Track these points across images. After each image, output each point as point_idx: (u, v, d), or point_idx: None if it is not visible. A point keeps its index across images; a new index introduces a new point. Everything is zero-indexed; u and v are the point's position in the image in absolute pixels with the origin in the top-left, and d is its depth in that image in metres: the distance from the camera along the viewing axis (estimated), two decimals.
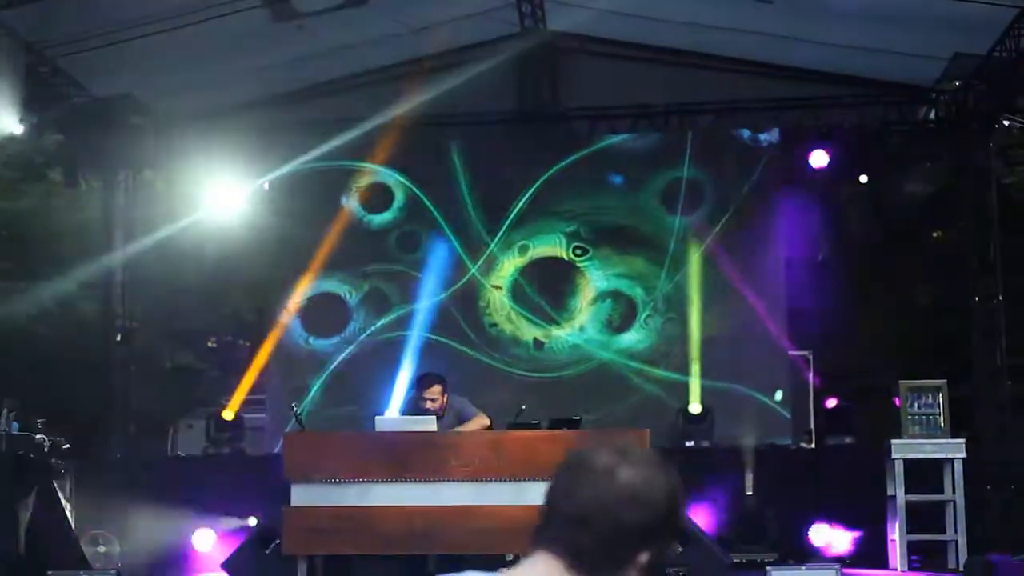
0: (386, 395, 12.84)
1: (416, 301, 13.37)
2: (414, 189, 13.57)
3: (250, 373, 13.56)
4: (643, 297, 13.21)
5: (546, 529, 2.06)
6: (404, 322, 13.38)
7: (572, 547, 2.02)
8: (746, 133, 13.40)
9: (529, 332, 13.33)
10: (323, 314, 13.59)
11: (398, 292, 13.50)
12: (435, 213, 13.49)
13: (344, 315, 13.58)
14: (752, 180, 13.19)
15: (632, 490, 2.02)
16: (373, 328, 13.44)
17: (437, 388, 9.10)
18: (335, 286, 13.62)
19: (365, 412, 12.11)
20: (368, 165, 13.60)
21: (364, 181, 13.70)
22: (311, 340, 13.60)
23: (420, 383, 9.28)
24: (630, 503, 2.01)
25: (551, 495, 2.07)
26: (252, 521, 11.05)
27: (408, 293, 13.46)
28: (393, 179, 13.67)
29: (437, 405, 9.02)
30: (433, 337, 13.25)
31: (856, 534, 11.18)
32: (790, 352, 12.99)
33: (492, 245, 13.43)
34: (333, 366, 13.41)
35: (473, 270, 13.42)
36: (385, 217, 13.70)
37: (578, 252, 13.36)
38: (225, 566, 9.45)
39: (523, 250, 13.45)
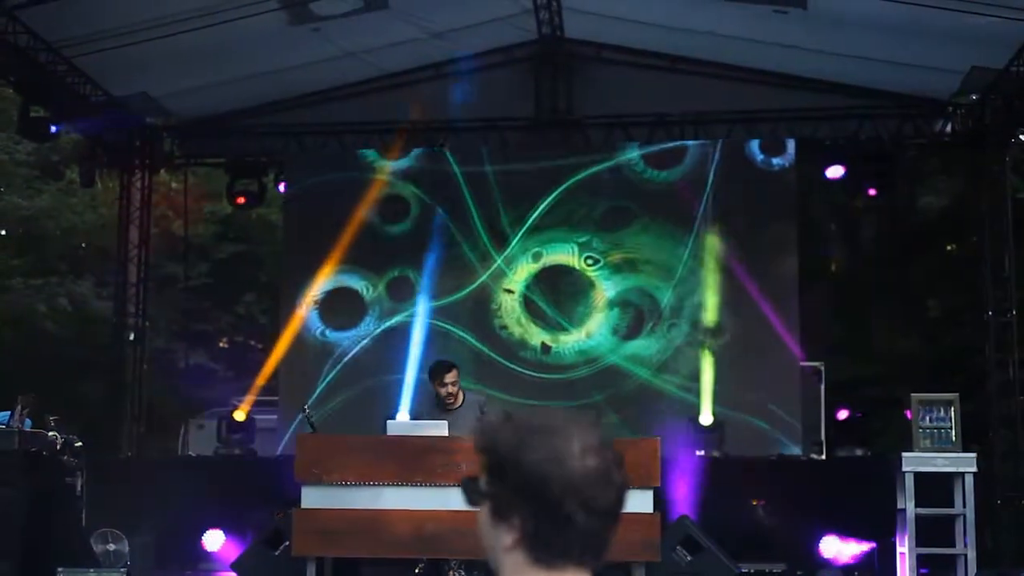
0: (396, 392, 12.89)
1: (429, 301, 13.37)
2: (428, 201, 13.57)
3: (268, 364, 13.58)
4: (655, 306, 13.18)
5: (570, 548, 1.93)
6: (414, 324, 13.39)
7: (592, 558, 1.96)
8: (759, 156, 13.26)
9: (537, 336, 13.32)
10: (339, 308, 13.59)
11: (411, 293, 13.50)
12: (450, 224, 13.49)
13: (360, 310, 13.57)
14: (767, 191, 13.15)
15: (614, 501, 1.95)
16: (385, 326, 13.45)
17: (455, 372, 9.07)
18: (354, 281, 13.61)
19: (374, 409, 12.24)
20: (385, 163, 13.61)
21: (381, 192, 13.67)
22: (327, 332, 13.61)
23: (438, 371, 9.15)
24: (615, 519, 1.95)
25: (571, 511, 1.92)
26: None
27: (419, 296, 13.46)
28: (408, 191, 13.69)
29: (457, 388, 8.99)
30: (442, 324, 13.26)
31: (865, 546, 11.16)
32: (802, 363, 12.98)
33: (507, 249, 13.41)
34: (345, 359, 13.40)
35: (484, 276, 13.42)
36: (402, 227, 13.69)
37: (589, 262, 13.35)
38: (234, 567, 9.47)
39: (536, 257, 13.45)
